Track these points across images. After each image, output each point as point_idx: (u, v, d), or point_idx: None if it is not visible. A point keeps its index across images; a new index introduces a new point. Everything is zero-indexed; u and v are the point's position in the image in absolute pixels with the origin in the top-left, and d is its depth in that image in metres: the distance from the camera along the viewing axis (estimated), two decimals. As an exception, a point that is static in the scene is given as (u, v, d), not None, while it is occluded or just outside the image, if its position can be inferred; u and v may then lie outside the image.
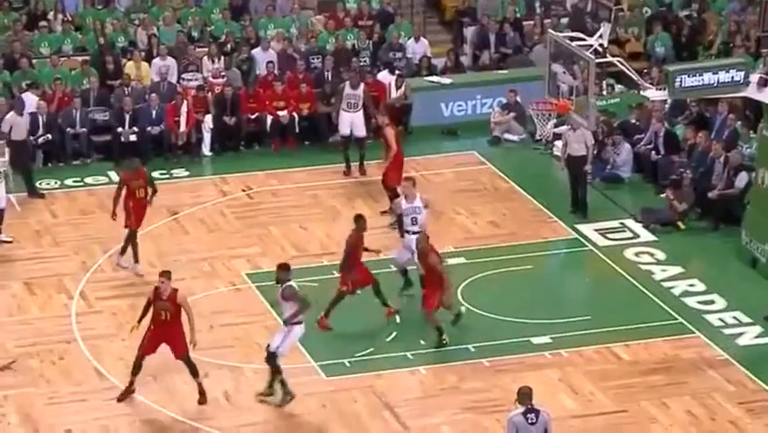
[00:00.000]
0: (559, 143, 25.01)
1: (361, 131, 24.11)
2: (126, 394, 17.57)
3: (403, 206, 19.82)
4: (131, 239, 20.71)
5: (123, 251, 20.84)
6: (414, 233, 19.39)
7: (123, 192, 20.52)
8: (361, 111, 24.08)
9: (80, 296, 20.15)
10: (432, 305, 18.64)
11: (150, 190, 20.69)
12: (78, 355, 18.58)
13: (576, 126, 21.95)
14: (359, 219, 19.11)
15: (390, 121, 22.76)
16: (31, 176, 23.61)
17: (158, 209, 22.66)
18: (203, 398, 17.50)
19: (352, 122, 24.06)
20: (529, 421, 14.56)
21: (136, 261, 20.75)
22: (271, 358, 17.37)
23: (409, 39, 27.82)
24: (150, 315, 17.22)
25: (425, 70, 27.13)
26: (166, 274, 17.17)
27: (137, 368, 17.43)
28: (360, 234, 19.01)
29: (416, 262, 19.28)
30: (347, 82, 24.17)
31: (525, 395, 14.72)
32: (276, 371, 17.41)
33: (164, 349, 17.33)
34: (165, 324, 17.10)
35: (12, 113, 23.40)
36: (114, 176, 24.31)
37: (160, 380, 17.84)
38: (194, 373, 17.39)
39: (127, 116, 24.91)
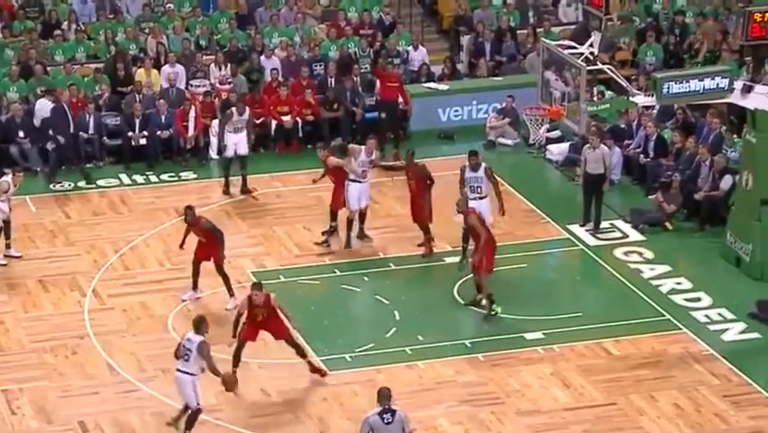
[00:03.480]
0: (552, 147, 25.62)
1: (243, 149, 24.07)
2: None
3: (362, 157, 21.50)
4: (195, 270, 20.18)
5: (229, 292, 20.03)
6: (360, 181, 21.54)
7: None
8: (244, 132, 24.06)
9: (93, 293, 20.42)
10: (480, 270, 19.38)
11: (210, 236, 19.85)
12: (91, 350, 18.84)
13: (596, 145, 22.08)
14: None
15: (330, 152, 22.55)
16: None
17: (167, 210, 23.08)
18: (322, 372, 18.08)
19: (236, 143, 24.06)
20: (385, 421, 14.59)
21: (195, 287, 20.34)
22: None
23: (409, 47, 28.24)
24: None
25: (424, 77, 27.48)
26: (257, 287, 17.90)
27: (237, 359, 17.81)
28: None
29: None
30: (234, 108, 24.14)
31: (383, 396, 14.77)
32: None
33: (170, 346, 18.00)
34: (262, 321, 17.87)
35: None
36: (126, 178, 24.69)
37: (170, 373, 18.04)
38: (300, 353, 17.97)
39: (137, 121, 25.27)
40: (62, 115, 24.52)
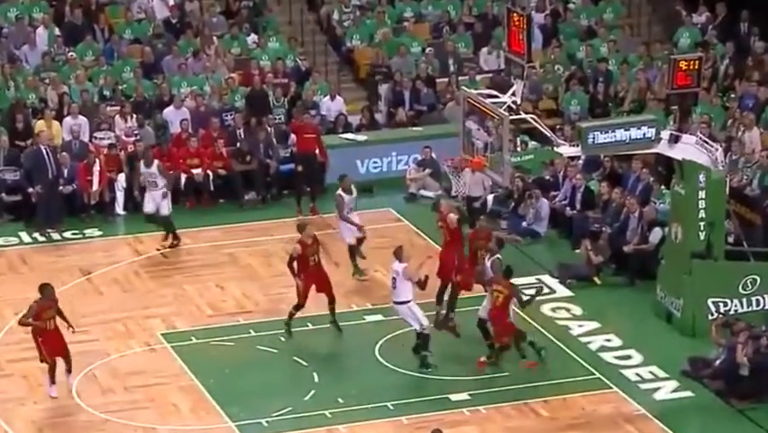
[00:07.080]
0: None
1: (165, 209, 23.56)
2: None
3: None
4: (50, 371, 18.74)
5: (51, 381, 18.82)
6: None
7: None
8: (161, 190, 23.46)
9: (-10, 359, 19.88)
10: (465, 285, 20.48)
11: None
12: (-12, 419, 18.32)
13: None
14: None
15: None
16: None
17: (71, 269, 22.57)
18: None
19: (154, 201, 23.53)
20: None
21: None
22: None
23: (325, 96, 27.91)
24: None
25: (341, 128, 27.21)
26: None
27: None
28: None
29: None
30: (141, 161, 23.73)
31: None
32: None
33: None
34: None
35: None
36: (26, 236, 24.19)
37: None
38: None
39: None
40: None
